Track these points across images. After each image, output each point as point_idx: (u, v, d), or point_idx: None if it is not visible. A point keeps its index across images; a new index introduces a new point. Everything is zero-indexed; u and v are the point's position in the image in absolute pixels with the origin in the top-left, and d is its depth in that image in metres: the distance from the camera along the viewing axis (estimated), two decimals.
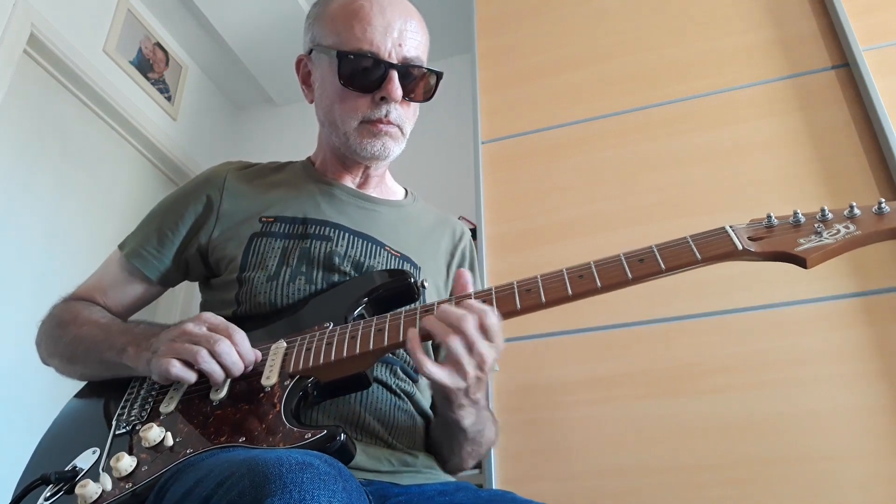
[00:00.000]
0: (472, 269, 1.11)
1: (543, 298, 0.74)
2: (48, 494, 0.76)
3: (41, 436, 0.90)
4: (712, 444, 1.27)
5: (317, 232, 0.98)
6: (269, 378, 0.79)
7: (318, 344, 0.81)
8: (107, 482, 0.72)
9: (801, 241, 0.70)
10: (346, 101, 0.97)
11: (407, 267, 1.00)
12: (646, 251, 0.74)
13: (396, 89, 0.95)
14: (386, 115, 0.96)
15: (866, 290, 1.31)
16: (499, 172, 1.71)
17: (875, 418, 1.21)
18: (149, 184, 2.82)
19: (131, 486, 0.72)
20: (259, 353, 0.82)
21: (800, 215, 0.72)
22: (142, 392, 0.86)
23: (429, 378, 0.74)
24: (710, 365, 1.34)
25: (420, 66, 0.99)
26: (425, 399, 0.98)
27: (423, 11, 1.05)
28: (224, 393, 0.79)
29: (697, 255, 0.71)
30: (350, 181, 1.07)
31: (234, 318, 0.85)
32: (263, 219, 1.00)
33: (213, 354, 0.77)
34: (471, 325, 0.73)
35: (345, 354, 0.78)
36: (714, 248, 0.71)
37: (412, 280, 0.90)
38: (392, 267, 0.99)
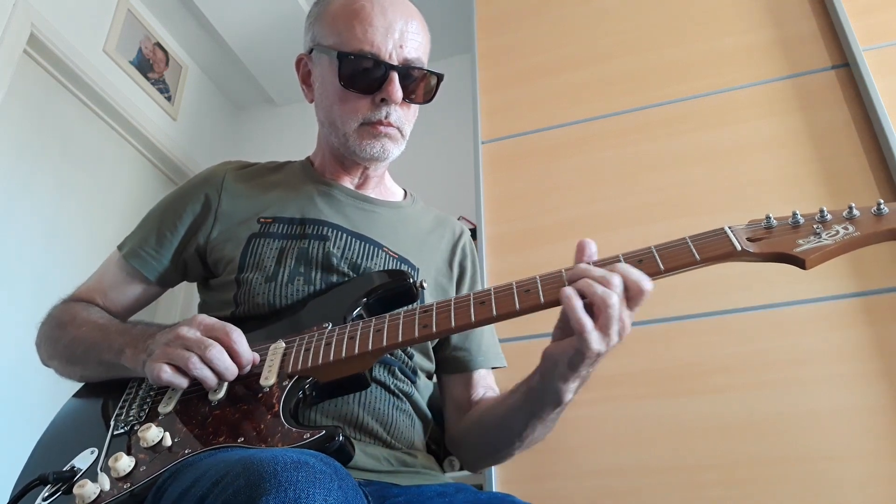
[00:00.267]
0: (471, 267, 1.11)
1: (542, 299, 0.74)
2: (46, 494, 0.76)
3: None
4: (712, 444, 1.27)
5: (314, 232, 0.98)
6: (268, 378, 0.79)
7: (317, 344, 0.81)
8: (105, 482, 0.72)
9: (800, 242, 0.70)
10: (346, 102, 0.97)
11: (405, 268, 0.99)
12: (644, 252, 0.74)
13: (397, 91, 0.95)
14: (386, 117, 0.96)
15: (866, 290, 1.31)
16: (499, 172, 1.70)
17: (875, 418, 1.21)
18: (149, 184, 2.82)
19: (129, 487, 0.72)
20: (257, 355, 0.81)
21: (799, 216, 0.72)
22: (140, 392, 0.86)
23: (585, 339, 0.69)
24: (710, 365, 1.34)
25: (421, 68, 0.98)
26: (423, 399, 0.98)
27: (423, 11, 1.05)
28: (222, 393, 0.79)
29: (696, 255, 0.71)
30: (349, 182, 1.06)
31: (233, 319, 0.85)
32: (262, 220, 0.99)
33: (205, 360, 0.77)
34: (621, 292, 0.70)
35: (343, 355, 0.78)
36: (713, 249, 0.71)
37: (411, 281, 0.90)
38: (390, 268, 0.98)
